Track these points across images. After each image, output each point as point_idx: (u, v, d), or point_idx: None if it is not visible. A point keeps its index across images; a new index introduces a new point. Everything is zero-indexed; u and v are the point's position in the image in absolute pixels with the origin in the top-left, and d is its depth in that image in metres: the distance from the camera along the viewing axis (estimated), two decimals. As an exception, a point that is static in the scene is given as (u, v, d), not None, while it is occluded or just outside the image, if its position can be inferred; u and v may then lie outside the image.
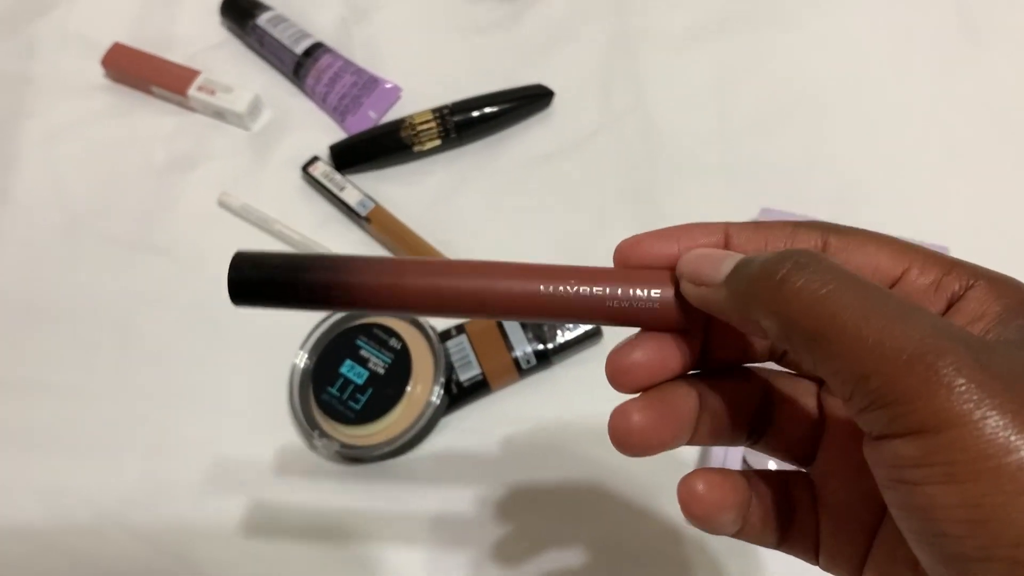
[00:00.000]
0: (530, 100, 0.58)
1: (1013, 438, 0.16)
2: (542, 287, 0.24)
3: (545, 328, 0.50)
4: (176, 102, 0.61)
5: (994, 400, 0.16)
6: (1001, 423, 0.16)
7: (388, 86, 0.60)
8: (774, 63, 0.60)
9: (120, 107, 0.62)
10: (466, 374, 0.49)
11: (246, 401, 0.51)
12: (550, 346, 0.49)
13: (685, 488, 0.24)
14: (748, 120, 0.58)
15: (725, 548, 0.45)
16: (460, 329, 0.50)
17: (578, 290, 0.24)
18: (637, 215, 0.55)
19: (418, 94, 0.60)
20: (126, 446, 0.50)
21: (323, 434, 0.48)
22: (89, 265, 0.55)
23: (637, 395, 0.24)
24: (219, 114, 0.60)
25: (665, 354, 0.24)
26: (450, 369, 0.49)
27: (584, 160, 0.57)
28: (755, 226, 0.24)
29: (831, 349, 0.18)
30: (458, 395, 0.49)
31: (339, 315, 0.51)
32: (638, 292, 0.24)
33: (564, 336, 0.50)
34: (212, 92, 0.59)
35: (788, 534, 0.25)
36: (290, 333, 0.51)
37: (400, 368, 0.48)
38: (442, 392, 0.48)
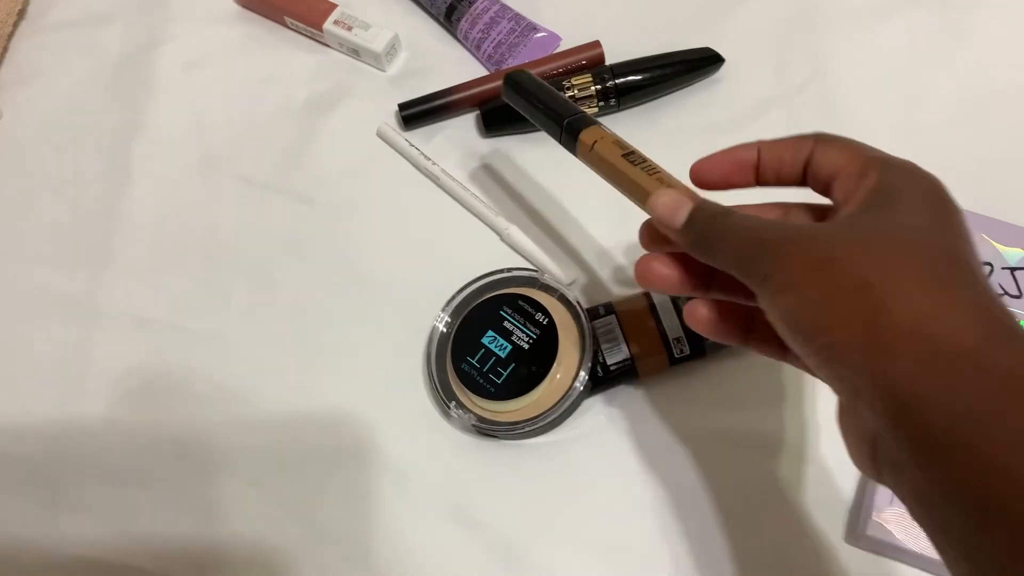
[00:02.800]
0: (697, 65, 0.53)
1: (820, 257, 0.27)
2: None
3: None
4: (310, 35, 0.58)
5: (807, 250, 0.28)
6: (807, 254, 0.27)
7: (545, 35, 0.56)
8: (974, 44, 0.54)
9: (253, 38, 0.60)
10: (613, 357, 0.46)
11: (383, 361, 0.49)
12: (707, 337, 0.46)
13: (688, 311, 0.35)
14: (940, 108, 0.52)
15: (877, 574, 0.42)
16: (609, 308, 0.47)
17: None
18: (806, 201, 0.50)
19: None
20: (258, 398, 0.48)
21: (460, 405, 0.46)
22: (225, 206, 0.54)
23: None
24: (355, 52, 0.57)
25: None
26: (596, 349, 0.46)
27: (749, 136, 0.52)
28: (773, 141, 0.34)
29: (728, 257, 0.30)
30: (603, 378, 0.46)
31: (483, 280, 0.48)
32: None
33: (722, 327, 0.46)
34: (349, 28, 0.57)
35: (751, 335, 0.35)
36: (433, 295, 0.48)
37: (545, 345, 0.45)
38: (587, 376, 0.45)
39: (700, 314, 0.34)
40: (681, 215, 0.32)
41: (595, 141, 0.37)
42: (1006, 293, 0.46)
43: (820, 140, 0.32)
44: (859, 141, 0.32)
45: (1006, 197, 0.49)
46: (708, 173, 0.35)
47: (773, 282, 0.28)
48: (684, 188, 0.34)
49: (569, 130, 0.39)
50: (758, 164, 0.34)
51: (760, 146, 0.34)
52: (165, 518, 0.46)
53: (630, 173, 0.35)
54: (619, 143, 0.37)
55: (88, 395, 0.49)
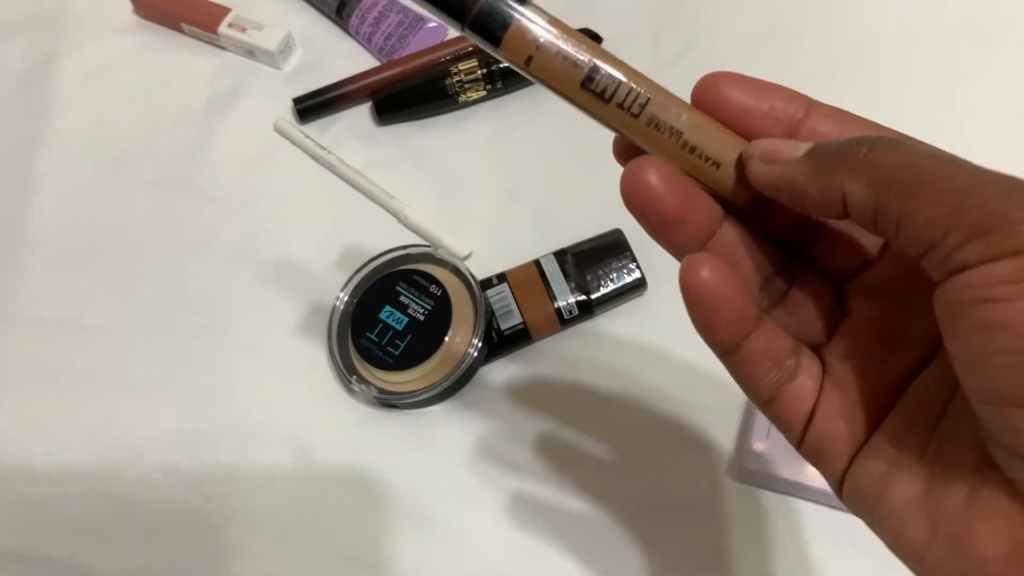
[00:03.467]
0: (577, 45, 0.56)
1: None
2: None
3: (588, 278, 0.49)
4: (207, 40, 0.60)
5: None
6: None
7: (433, 25, 0.58)
8: (835, 10, 0.57)
9: (152, 45, 0.61)
10: (507, 323, 0.48)
11: (286, 344, 0.50)
12: (593, 297, 0.48)
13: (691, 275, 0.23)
14: (805, 75, 0.55)
15: (769, 506, 0.45)
16: (502, 278, 0.49)
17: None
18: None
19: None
20: (167, 389, 0.50)
21: (361, 379, 0.47)
22: (129, 207, 0.55)
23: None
24: (250, 52, 0.59)
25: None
26: (491, 318, 0.48)
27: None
28: (835, 111, 0.24)
29: (929, 196, 0.19)
30: (498, 343, 0.48)
31: (381, 259, 0.50)
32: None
33: (607, 287, 0.49)
34: (243, 29, 0.58)
35: (782, 394, 0.24)
36: (334, 278, 0.50)
37: (440, 316, 0.47)
38: (481, 342, 0.47)
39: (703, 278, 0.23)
40: (804, 145, 0.22)
41: (529, 56, 0.24)
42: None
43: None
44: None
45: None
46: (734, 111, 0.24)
47: (1001, 248, 0.18)
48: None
49: (482, 32, 0.24)
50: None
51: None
52: (72, 506, 0.47)
53: (607, 118, 0.24)
54: (567, 56, 0.23)
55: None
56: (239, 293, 0.52)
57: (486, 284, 0.49)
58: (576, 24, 0.55)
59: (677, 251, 0.25)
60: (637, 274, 0.49)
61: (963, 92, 0.54)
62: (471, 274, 0.49)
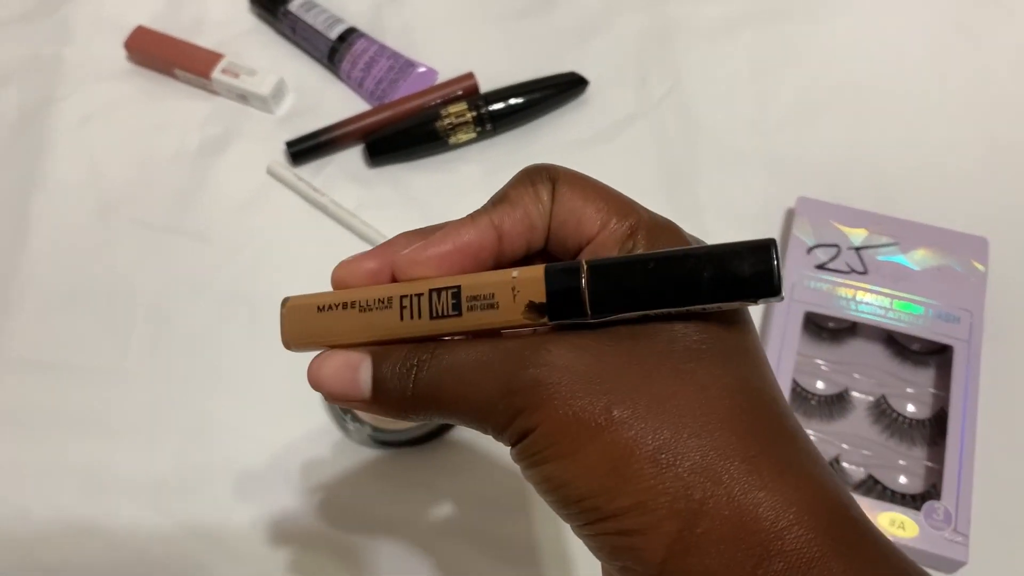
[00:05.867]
0: (565, 88, 0.58)
1: (572, 429, 0.20)
2: None
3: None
4: (200, 85, 0.61)
5: (557, 407, 0.20)
6: (561, 421, 0.20)
7: (423, 70, 0.59)
8: (812, 53, 0.59)
9: (146, 90, 0.62)
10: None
11: (279, 385, 0.50)
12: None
13: None
14: (786, 110, 0.57)
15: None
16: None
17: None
18: (673, 203, 0.54)
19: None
20: (160, 430, 0.50)
21: (355, 418, 0.48)
22: (123, 249, 0.55)
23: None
24: (243, 97, 0.60)
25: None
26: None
27: (619, 149, 0.57)
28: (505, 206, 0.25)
29: (460, 420, 0.23)
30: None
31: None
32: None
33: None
34: (236, 75, 0.59)
35: None
36: (323, 317, 0.50)
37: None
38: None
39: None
40: (362, 381, 0.24)
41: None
42: (853, 271, 0.50)
43: (560, 183, 0.24)
44: (603, 184, 0.24)
45: (848, 184, 0.54)
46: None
47: (532, 445, 0.21)
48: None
49: None
50: (500, 241, 0.24)
51: (494, 219, 0.24)
52: (66, 550, 0.46)
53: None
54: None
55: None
56: (232, 335, 0.52)
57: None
58: (563, 68, 0.57)
59: None
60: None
61: (934, 127, 0.56)
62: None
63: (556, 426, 0.20)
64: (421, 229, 0.25)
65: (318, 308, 0.25)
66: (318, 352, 0.25)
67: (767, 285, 0.20)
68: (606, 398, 0.20)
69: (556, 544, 0.45)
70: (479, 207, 0.25)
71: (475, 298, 0.23)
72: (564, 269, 0.22)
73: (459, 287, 0.23)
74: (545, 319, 0.22)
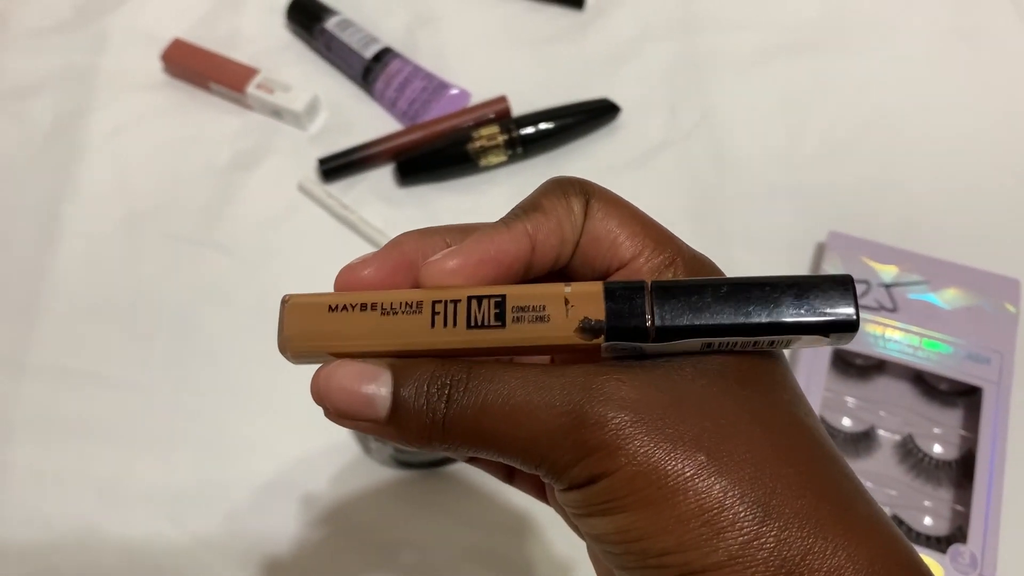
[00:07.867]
0: (597, 114, 0.58)
1: (655, 476, 0.18)
2: None
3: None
4: (234, 99, 0.62)
5: (637, 449, 0.19)
6: (642, 466, 0.18)
7: (456, 92, 0.60)
8: (844, 87, 0.60)
9: (180, 103, 0.62)
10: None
11: (300, 401, 0.50)
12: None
13: None
14: (817, 143, 0.57)
15: None
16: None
17: None
18: (700, 234, 0.54)
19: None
20: (181, 442, 0.50)
21: (377, 437, 0.47)
22: (150, 261, 0.56)
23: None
24: (276, 113, 0.60)
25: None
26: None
27: (648, 177, 0.57)
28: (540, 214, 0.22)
29: (504, 455, 0.20)
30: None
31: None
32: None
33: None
34: (270, 91, 0.60)
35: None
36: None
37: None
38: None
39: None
40: (379, 398, 0.20)
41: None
42: (883, 308, 0.50)
43: (595, 199, 0.22)
44: (639, 209, 0.23)
45: (879, 220, 0.54)
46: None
47: (605, 491, 0.19)
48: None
49: None
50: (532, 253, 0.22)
51: (528, 227, 0.22)
52: (84, 559, 0.46)
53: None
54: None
55: (16, 444, 0.50)
56: (257, 348, 0.52)
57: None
58: (594, 94, 0.57)
59: None
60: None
61: (967, 165, 0.56)
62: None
63: (637, 471, 0.18)
64: (428, 229, 0.23)
65: (329, 308, 0.21)
66: (319, 365, 0.22)
67: (848, 322, 0.19)
68: (692, 442, 0.19)
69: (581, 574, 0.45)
70: (507, 213, 0.23)
71: (522, 308, 0.20)
72: (626, 286, 0.20)
73: (504, 296, 0.20)
74: (601, 339, 0.20)
